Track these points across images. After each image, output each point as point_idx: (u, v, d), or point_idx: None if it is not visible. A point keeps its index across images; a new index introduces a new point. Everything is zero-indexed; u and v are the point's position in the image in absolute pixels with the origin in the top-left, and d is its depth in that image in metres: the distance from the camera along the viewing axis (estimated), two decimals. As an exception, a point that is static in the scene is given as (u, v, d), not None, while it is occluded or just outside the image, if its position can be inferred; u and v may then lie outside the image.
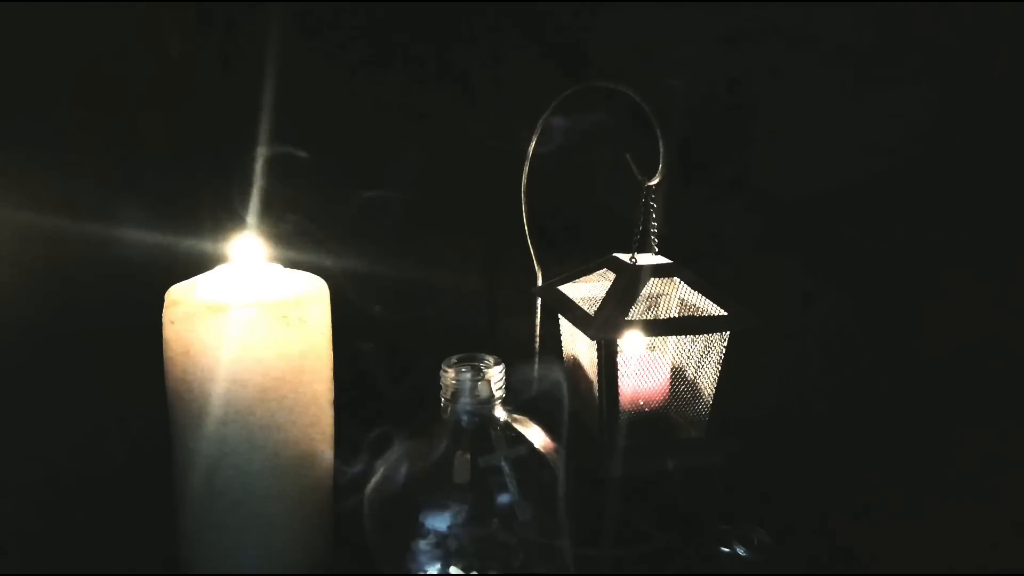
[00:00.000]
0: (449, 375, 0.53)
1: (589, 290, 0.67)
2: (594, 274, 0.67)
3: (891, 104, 0.66)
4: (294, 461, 0.53)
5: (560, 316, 0.68)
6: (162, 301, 0.53)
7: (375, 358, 0.75)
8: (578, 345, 0.66)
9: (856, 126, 0.69)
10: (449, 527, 0.50)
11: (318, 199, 0.76)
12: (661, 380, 0.64)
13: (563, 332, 0.69)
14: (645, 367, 0.62)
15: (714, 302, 0.61)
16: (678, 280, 0.63)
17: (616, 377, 0.60)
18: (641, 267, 0.62)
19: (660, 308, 0.64)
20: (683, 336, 0.63)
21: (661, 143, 0.63)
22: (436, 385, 0.54)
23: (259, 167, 0.71)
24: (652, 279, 0.62)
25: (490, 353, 0.55)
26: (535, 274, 0.70)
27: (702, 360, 0.63)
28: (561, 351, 0.70)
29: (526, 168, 0.68)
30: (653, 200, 0.65)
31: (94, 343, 0.63)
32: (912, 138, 0.64)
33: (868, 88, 0.68)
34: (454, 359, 0.54)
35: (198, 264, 0.60)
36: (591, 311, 0.61)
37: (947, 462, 0.60)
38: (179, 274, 0.56)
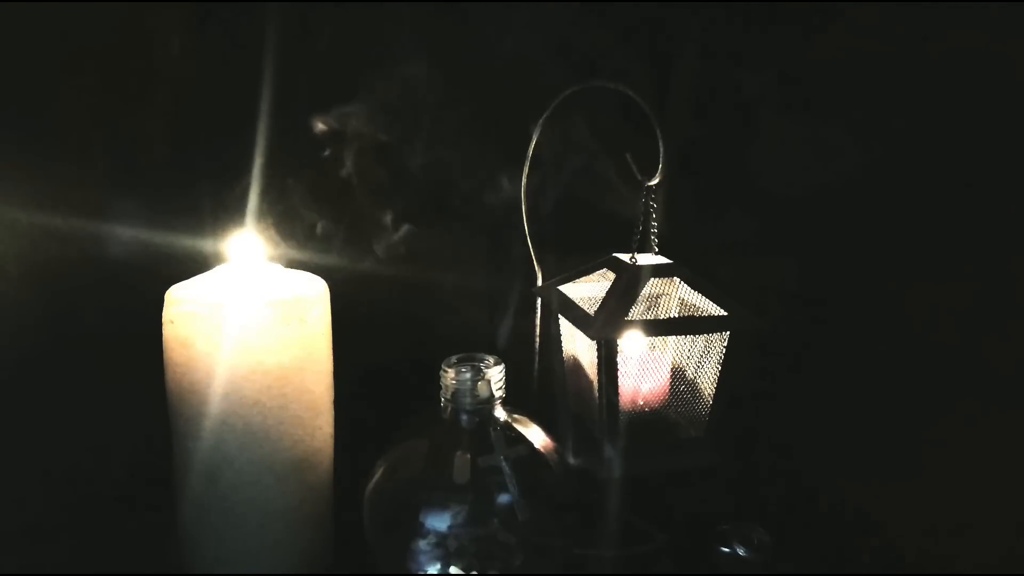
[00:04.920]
0: (449, 375, 0.53)
1: (589, 290, 0.67)
2: (594, 274, 0.67)
3: (889, 101, 0.66)
4: (294, 461, 0.53)
5: (560, 316, 0.68)
6: (162, 301, 0.53)
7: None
8: (578, 345, 0.66)
9: (854, 123, 0.69)
10: (449, 527, 0.50)
11: (318, 199, 0.76)
12: (661, 380, 0.64)
13: (563, 332, 0.69)
14: (645, 367, 0.62)
15: (714, 302, 0.61)
16: (678, 280, 0.63)
17: (616, 377, 0.60)
18: (641, 267, 0.62)
19: (660, 308, 0.64)
20: (683, 336, 0.63)
21: (661, 143, 0.63)
22: (436, 385, 0.54)
23: (259, 167, 0.71)
24: (652, 279, 0.62)
25: (490, 353, 0.55)
26: (535, 274, 0.70)
27: (702, 360, 0.63)
28: (561, 351, 0.70)
29: (526, 168, 0.68)
30: (653, 200, 0.65)
31: (93, 343, 0.63)
32: (911, 134, 0.64)
33: (866, 86, 0.68)
34: (454, 359, 0.54)
35: (198, 264, 0.60)
36: (591, 311, 0.61)
37: (949, 462, 0.60)
38: (179, 274, 0.56)
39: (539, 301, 0.71)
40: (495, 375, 0.53)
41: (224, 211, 0.71)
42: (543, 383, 0.72)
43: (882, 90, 0.67)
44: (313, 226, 0.72)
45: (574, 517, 0.55)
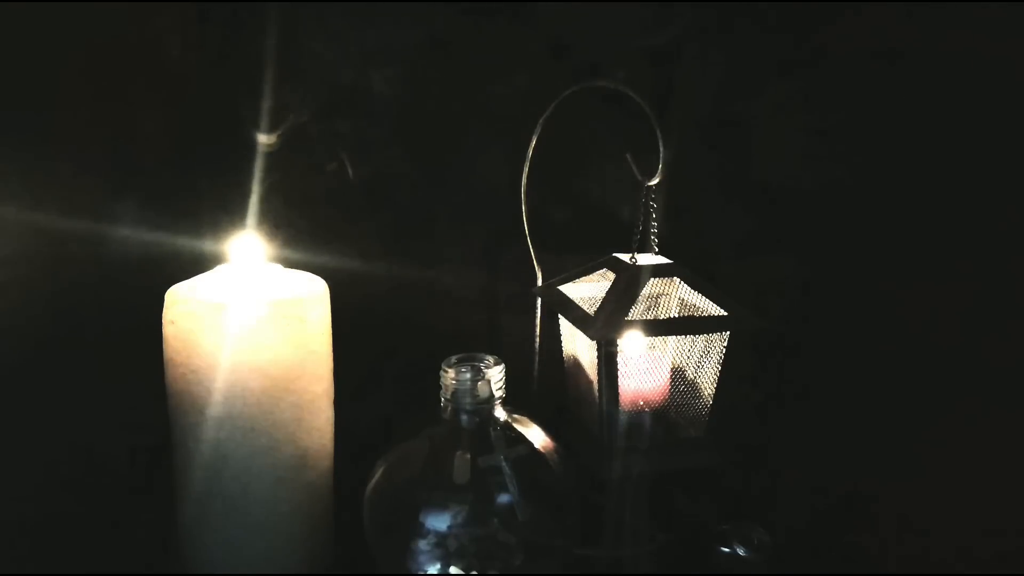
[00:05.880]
0: (449, 375, 0.53)
1: (589, 290, 0.67)
2: (594, 274, 0.67)
3: (890, 100, 0.66)
4: (294, 461, 0.53)
5: (560, 316, 0.68)
6: (162, 301, 0.53)
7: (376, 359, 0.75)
8: (578, 345, 0.66)
9: (855, 123, 0.69)
10: (449, 527, 0.50)
11: (318, 198, 0.76)
12: (661, 380, 0.63)
13: (563, 332, 0.69)
14: (645, 367, 0.62)
15: (714, 302, 0.61)
16: (678, 280, 0.63)
17: (616, 377, 0.60)
18: (641, 267, 0.62)
19: (660, 308, 0.64)
20: (683, 336, 0.63)
21: (661, 143, 0.63)
22: (436, 385, 0.54)
23: (259, 167, 0.71)
24: (652, 279, 0.62)
25: (490, 353, 0.55)
26: (535, 274, 0.70)
27: (702, 360, 0.63)
28: (561, 351, 0.70)
29: (526, 168, 0.68)
30: (653, 200, 0.65)
31: (93, 343, 0.63)
32: (912, 134, 0.64)
33: (868, 83, 0.68)
34: (454, 359, 0.54)
35: (198, 264, 0.60)
36: (591, 311, 0.61)
37: (949, 462, 0.60)
38: (179, 274, 0.56)
39: (539, 301, 0.71)
40: (495, 375, 0.53)
41: (224, 211, 0.71)
42: (543, 383, 0.72)
43: (883, 90, 0.67)
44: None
45: (574, 517, 0.55)
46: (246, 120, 0.70)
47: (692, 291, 0.62)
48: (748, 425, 0.70)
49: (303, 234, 0.72)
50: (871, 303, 0.68)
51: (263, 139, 0.68)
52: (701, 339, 0.63)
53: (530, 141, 0.67)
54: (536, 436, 0.55)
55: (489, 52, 0.76)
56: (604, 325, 0.58)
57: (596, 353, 0.60)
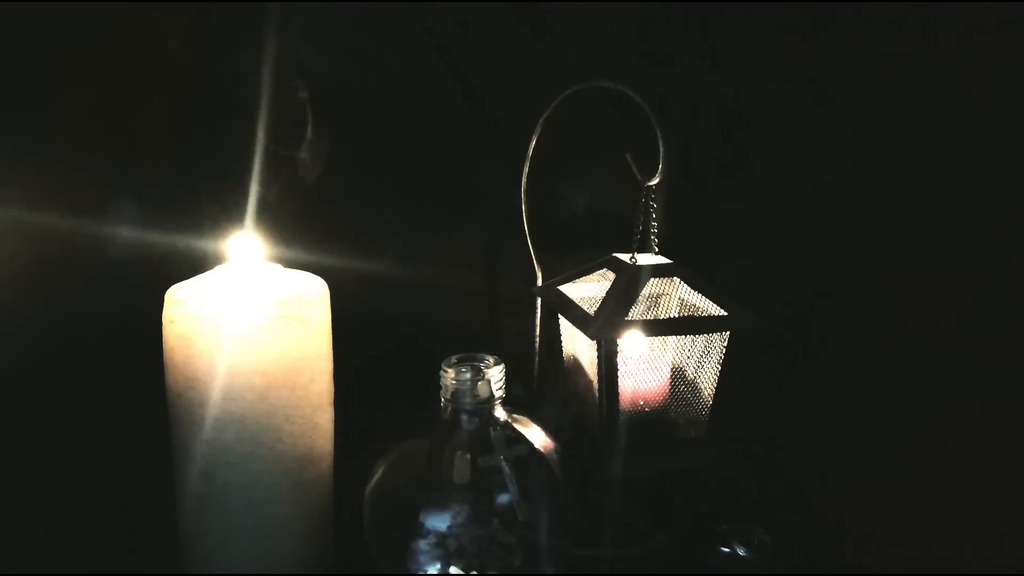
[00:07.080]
0: (449, 375, 0.53)
1: (589, 290, 0.67)
2: (594, 274, 0.67)
3: (890, 101, 0.66)
4: (294, 461, 0.53)
5: (560, 316, 0.68)
6: (162, 301, 0.53)
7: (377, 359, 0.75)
8: (578, 345, 0.66)
9: (854, 123, 0.69)
10: (449, 527, 0.50)
11: (318, 199, 0.76)
12: (661, 380, 0.63)
13: (563, 332, 0.69)
14: (645, 367, 0.62)
15: (714, 302, 0.61)
16: (678, 280, 0.63)
17: (616, 377, 0.60)
18: (641, 267, 0.62)
19: (660, 308, 0.64)
20: (683, 336, 0.63)
21: (661, 143, 0.63)
22: (436, 385, 0.54)
23: (258, 164, 0.71)
24: (652, 279, 0.62)
25: (490, 353, 0.55)
26: (535, 274, 0.70)
27: (702, 360, 0.63)
28: (561, 351, 0.70)
29: (526, 168, 0.68)
30: (653, 200, 0.65)
31: (93, 343, 0.63)
32: (911, 135, 0.64)
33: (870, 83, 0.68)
34: (454, 359, 0.54)
35: (198, 264, 0.60)
36: (591, 311, 0.61)
37: (949, 462, 0.60)
38: (179, 274, 0.56)
39: (539, 301, 0.71)
40: (495, 375, 0.53)
41: (224, 211, 0.71)
42: (543, 383, 0.72)
43: (882, 90, 0.67)
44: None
45: (574, 517, 0.55)
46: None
47: (692, 291, 0.62)
48: (747, 425, 0.70)
49: (303, 234, 0.72)
50: (871, 303, 0.68)
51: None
52: (701, 339, 0.63)
53: (530, 141, 0.67)
54: (536, 436, 0.55)
55: (490, 51, 0.76)
56: (604, 325, 0.58)
57: (596, 353, 0.60)
